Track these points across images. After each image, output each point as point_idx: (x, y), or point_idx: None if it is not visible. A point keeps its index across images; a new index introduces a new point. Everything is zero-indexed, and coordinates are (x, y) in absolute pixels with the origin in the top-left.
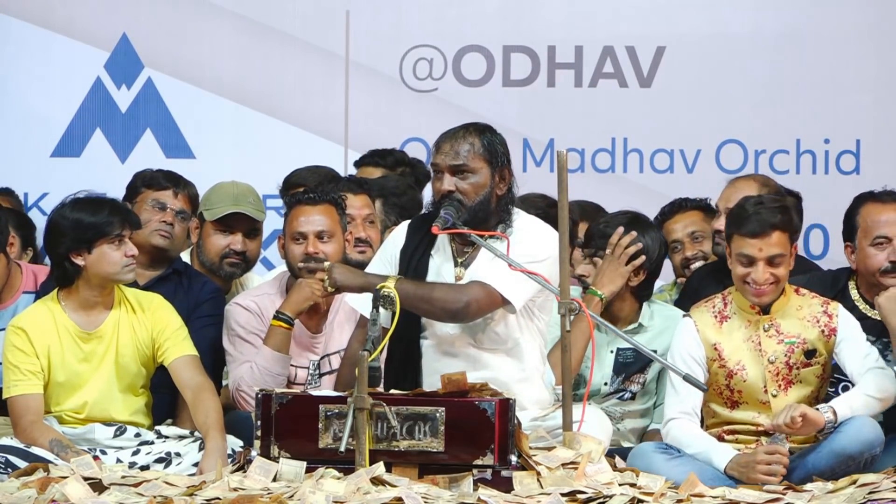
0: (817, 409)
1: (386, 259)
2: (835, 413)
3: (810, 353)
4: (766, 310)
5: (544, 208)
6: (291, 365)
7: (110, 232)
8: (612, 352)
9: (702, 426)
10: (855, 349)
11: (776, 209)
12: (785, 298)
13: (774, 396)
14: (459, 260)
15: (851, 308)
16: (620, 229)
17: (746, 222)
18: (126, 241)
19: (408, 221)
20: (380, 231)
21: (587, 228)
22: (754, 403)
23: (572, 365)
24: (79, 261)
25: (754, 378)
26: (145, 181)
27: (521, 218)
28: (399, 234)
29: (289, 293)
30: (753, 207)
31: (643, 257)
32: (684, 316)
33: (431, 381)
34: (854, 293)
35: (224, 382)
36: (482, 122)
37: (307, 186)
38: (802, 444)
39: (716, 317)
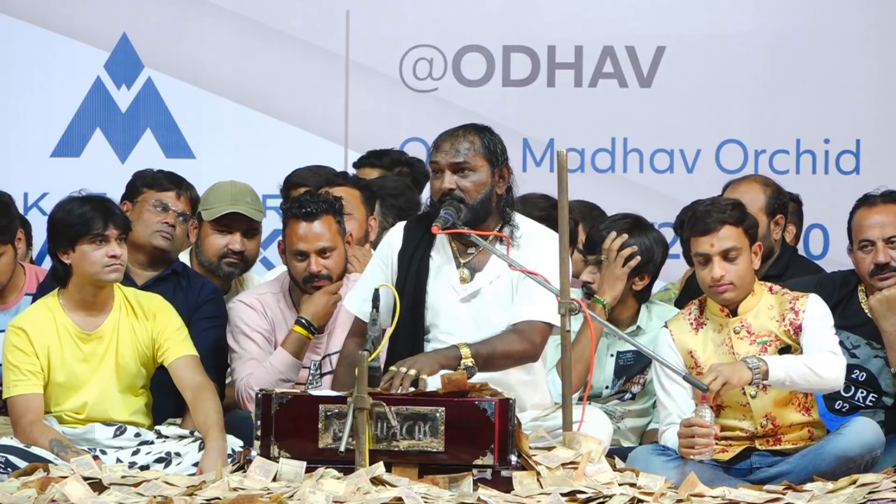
0: (744, 360)
1: (383, 263)
2: (767, 370)
3: (785, 350)
4: (734, 311)
5: (546, 209)
6: None
7: (90, 230)
8: (611, 355)
9: None
10: (813, 334)
11: (725, 206)
12: (754, 297)
13: (753, 397)
14: (462, 261)
15: (857, 311)
16: (612, 234)
17: (696, 222)
18: (110, 242)
19: (403, 223)
20: (369, 228)
21: (588, 233)
22: (735, 407)
23: (577, 380)
24: (65, 259)
25: None
26: (147, 181)
27: (525, 223)
28: (395, 236)
29: (307, 302)
30: (703, 207)
31: (638, 258)
32: (663, 327)
33: (437, 384)
34: (861, 296)
35: (227, 380)
36: (480, 123)
37: (307, 186)
38: (800, 445)
39: (692, 324)
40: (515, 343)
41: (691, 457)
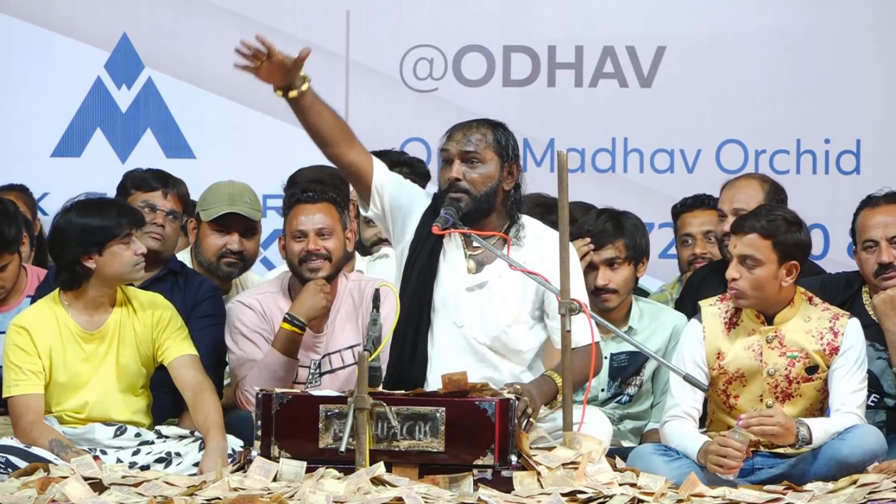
0: (798, 426)
1: (412, 192)
2: (810, 434)
3: (812, 369)
4: (770, 320)
5: (531, 206)
6: None
7: (120, 233)
8: (605, 357)
9: (702, 427)
10: (846, 380)
11: (765, 215)
12: (792, 309)
13: (769, 407)
14: (469, 253)
15: (862, 313)
16: None
17: (737, 221)
18: (134, 240)
19: (430, 202)
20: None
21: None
22: (750, 412)
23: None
24: (90, 264)
25: (752, 387)
26: (135, 182)
27: (532, 224)
28: (423, 201)
29: (300, 296)
30: (757, 210)
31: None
32: (694, 316)
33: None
34: (865, 297)
35: (226, 381)
36: (495, 119)
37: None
38: (801, 450)
39: (725, 322)
40: (587, 366)
41: (718, 473)
